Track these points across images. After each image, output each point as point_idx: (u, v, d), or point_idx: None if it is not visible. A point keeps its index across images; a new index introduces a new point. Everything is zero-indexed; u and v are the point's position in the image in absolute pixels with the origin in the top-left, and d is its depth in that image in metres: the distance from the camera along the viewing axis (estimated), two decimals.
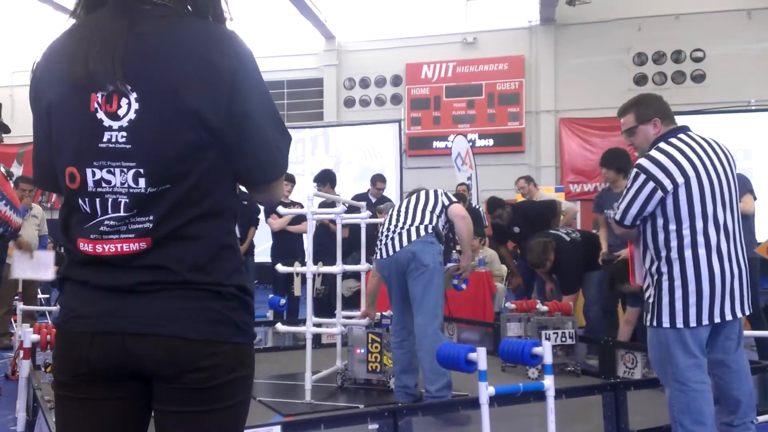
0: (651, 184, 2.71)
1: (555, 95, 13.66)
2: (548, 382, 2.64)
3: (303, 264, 4.58)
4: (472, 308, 6.43)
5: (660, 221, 2.75)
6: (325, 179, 7.19)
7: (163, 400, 1.22)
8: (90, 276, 1.21)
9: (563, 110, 13.63)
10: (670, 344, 2.71)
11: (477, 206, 8.95)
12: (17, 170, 15.19)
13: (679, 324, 2.69)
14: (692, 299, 2.68)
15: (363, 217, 5.15)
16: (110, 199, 1.18)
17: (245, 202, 6.96)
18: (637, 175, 2.75)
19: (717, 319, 2.70)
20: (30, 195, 6.85)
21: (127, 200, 1.17)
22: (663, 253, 2.75)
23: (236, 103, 1.20)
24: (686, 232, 2.71)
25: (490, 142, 13.82)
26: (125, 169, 1.16)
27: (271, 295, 6.59)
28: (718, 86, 12.59)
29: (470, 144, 11.79)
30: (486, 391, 2.57)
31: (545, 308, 5.15)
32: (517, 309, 5.20)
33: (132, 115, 1.16)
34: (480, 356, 2.61)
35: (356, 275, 6.23)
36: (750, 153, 11.22)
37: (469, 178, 10.82)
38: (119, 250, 1.18)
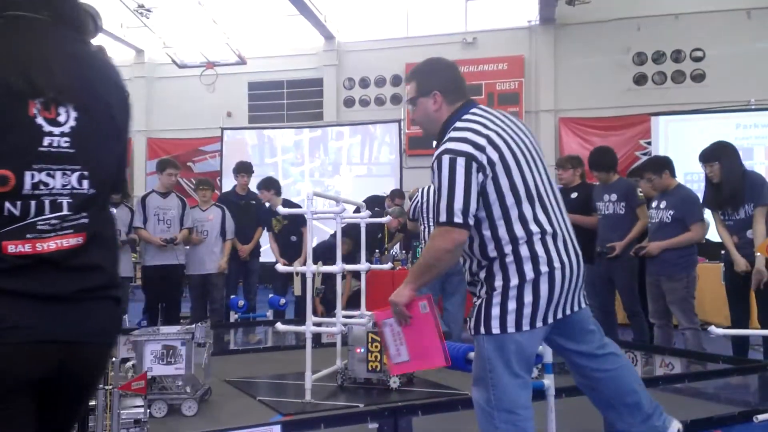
0: None
1: (555, 95, 13.66)
2: (548, 381, 2.64)
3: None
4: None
5: None
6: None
7: (63, 399, 1.31)
8: (22, 284, 1.22)
9: (563, 110, 13.62)
10: None
11: None
12: None
13: None
14: None
15: (363, 217, 5.14)
16: (47, 201, 1.24)
17: (252, 202, 6.95)
18: None
19: None
20: None
21: (70, 200, 1.27)
22: None
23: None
24: None
25: None
26: (68, 172, 1.27)
27: (270, 295, 6.61)
28: (718, 86, 12.57)
29: None
30: None
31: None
32: None
33: (72, 123, 1.27)
34: None
35: (356, 275, 6.23)
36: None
37: None
38: (60, 246, 1.25)
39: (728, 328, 4.68)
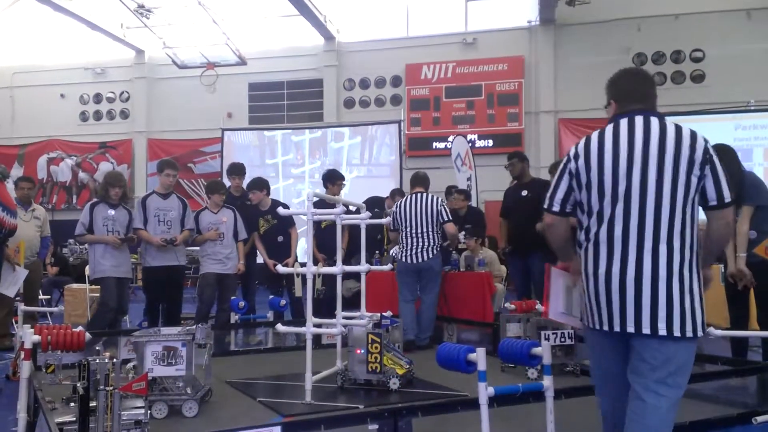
0: None
1: (554, 96, 13.67)
2: (547, 382, 2.65)
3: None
4: (472, 308, 6.44)
5: None
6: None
7: None
8: None
9: (563, 111, 13.64)
10: None
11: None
12: (18, 171, 15.19)
13: None
14: None
15: (363, 218, 5.14)
16: None
17: (248, 203, 6.95)
18: None
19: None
20: (31, 192, 6.91)
21: None
22: None
23: None
24: None
25: (490, 142, 13.82)
26: None
27: (271, 296, 6.61)
28: (718, 86, 12.60)
29: (470, 144, 11.79)
30: (485, 391, 2.58)
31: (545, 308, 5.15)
32: (516, 309, 5.21)
33: None
34: (479, 357, 2.62)
35: (356, 276, 6.23)
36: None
37: (469, 179, 10.84)
38: None
39: (727, 329, 4.69)
